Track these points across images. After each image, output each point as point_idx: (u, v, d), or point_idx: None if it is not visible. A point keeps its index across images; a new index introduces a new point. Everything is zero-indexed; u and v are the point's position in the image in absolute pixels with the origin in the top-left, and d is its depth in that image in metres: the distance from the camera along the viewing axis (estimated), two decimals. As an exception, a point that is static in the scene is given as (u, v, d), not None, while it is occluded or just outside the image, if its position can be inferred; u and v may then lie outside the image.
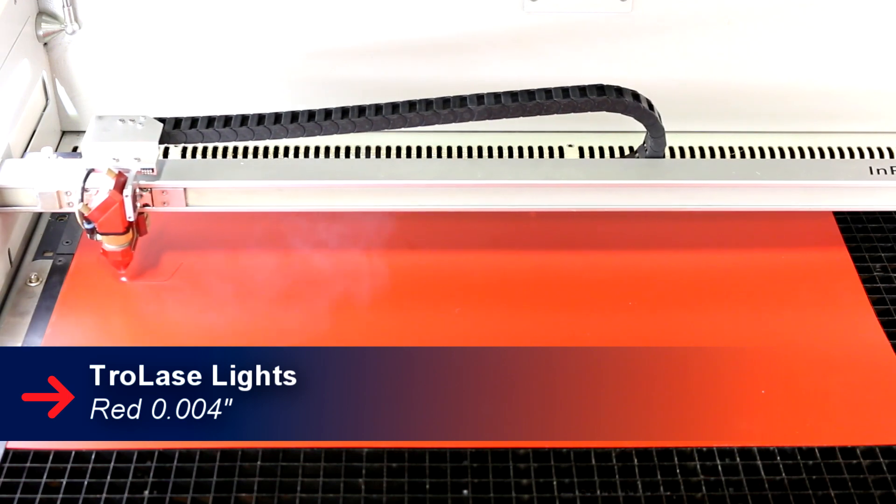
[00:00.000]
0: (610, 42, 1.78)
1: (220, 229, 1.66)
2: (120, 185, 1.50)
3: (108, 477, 1.30)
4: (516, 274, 1.60)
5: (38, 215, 1.70)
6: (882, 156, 1.82)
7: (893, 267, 1.62)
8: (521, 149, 1.80)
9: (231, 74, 1.82)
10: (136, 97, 1.85)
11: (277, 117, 1.54)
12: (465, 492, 1.29)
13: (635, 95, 1.54)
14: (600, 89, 1.53)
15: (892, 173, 1.59)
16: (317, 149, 1.78)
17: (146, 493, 1.28)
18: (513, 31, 1.79)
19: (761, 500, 1.29)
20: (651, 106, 1.56)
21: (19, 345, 1.47)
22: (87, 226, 1.51)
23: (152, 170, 1.53)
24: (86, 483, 1.29)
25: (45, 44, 1.79)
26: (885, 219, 1.71)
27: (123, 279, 1.58)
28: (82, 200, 1.50)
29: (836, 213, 1.70)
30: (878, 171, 1.60)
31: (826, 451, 1.34)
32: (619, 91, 1.53)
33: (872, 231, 1.68)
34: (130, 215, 1.51)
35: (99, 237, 1.53)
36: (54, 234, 1.66)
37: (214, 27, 1.79)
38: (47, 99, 1.81)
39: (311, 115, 1.54)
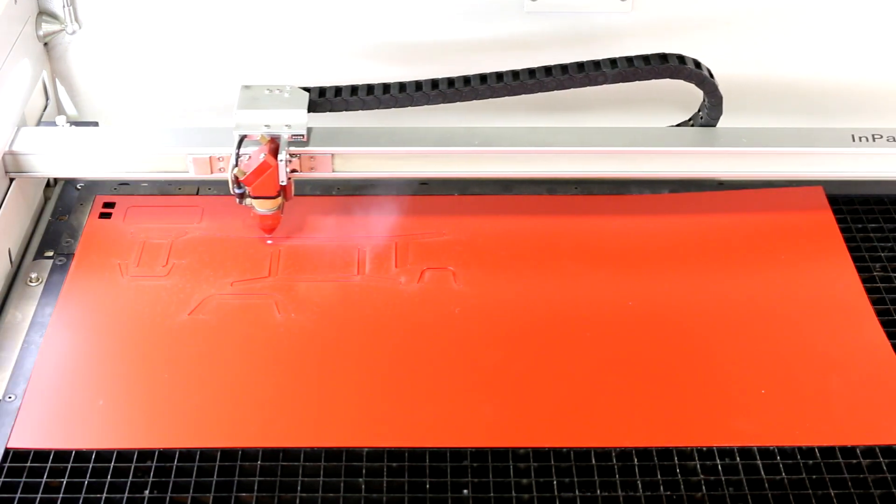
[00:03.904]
0: (610, 42, 1.78)
1: (218, 227, 1.66)
2: (273, 151, 1.56)
3: (108, 477, 1.30)
4: (516, 274, 1.60)
5: (39, 215, 1.70)
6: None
7: (893, 267, 1.62)
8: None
9: (230, 73, 1.82)
10: (136, 97, 1.86)
11: (418, 85, 1.62)
12: (465, 492, 1.29)
13: (697, 63, 1.63)
14: (662, 57, 1.62)
15: (874, 140, 1.66)
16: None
17: (146, 492, 1.28)
18: (513, 31, 1.79)
19: (761, 499, 1.29)
20: (710, 73, 1.64)
21: (20, 344, 1.47)
22: (238, 190, 1.57)
23: (303, 136, 1.58)
24: (86, 483, 1.29)
25: (46, 44, 1.79)
26: (885, 218, 1.71)
27: (269, 242, 1.63)
28: (237, 166, 1.56)
29: (835, 213, 1.70)
30: (860, 138, 1.66)
31: (826, 451, 1.34)
32: (682, 59, 1.62)
33: (872, 231, 1.68)
34: (283, 179, 1.57)
35: (248, 202, 1.59)
36: (54, 234, 1.66)
37: (214, 26, 1.79)
38: (47, 99, 1.81)
39: (450, 81, 1.62)
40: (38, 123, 1.76)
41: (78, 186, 1.74)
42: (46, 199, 1.74)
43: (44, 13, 1.76)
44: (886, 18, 1.81)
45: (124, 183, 1.74)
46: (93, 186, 1.74)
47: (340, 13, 1.78)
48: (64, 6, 1.74)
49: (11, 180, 1.62)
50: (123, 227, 1.67)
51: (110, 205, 1.71)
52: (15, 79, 1.66)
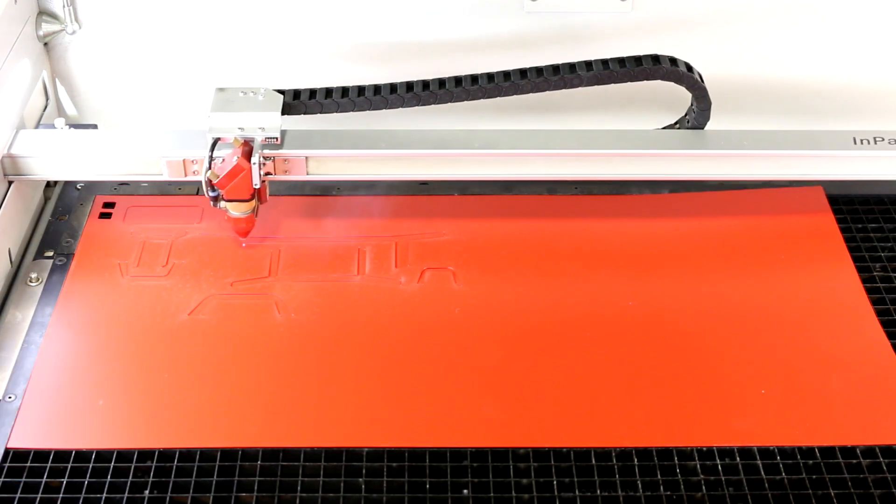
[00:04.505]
0: (610, 42, 1.78)
1: (218, 227, 1.66)
2: (247, 154, 1.55)
3: (108, 477, 1.30)
4: (516, 274, 1.60)
5: (39, 215, 1.70)
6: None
7: (893, 267, 1.62)
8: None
9: (231, 73, 1.82)
10: (136, 97, 1.86)
11: (393, 87, 1.61)
12: (465, 492, 1.29)
13: (689, 67, 1.62)
14: (637, 60, 1.60)
15: (875, 143, 1.64)
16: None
17: (146, 492, 1.28)
18: (513, 31, 1.79)
19: (761, 499, 1.29)
20: (689, 68, 1.62)
21: (19, 344, 1.47)
22: (212, 193, 1.57)
23: (276, 139, 1.57)
24: (86, 483, 1.29)
25: (46, 44, 1.79)
26: (885, 218, 1.71)
27: (244, 245, 1.63)
28: (210, 168, 1.55)
29: (835, 214, 1.70)
30: (861, 140, 1.65)
31: (826, 451, 1.34)
32: (656, 59, 1.60)
33: (872, 231, 1.69)
34: (257, 182, 1.56)
35: (223, 205, 1.58)
36: (54, 234, 1.66)
37: (214, 27, 1.79)
38: (47, 99, 1.81)
39: (425, 84, 1.61)
40: (38, 123, 1.76)
41: (78, 186, 1.74)
42: (46, 199, 1.74)
43: (44, 13, 1.76)
44: (887, 20, 1.81)
45: (124, 183, 1.74)
46: (93, 186, 1.74)
47: (341, 14, 1.78)
48: (64, 6, 1.74)
49: (10, 182, 1.62)
50: (123, 227, 1.67)
51: (110, 205, 1.71)
52: (15, 79, 1.66)
